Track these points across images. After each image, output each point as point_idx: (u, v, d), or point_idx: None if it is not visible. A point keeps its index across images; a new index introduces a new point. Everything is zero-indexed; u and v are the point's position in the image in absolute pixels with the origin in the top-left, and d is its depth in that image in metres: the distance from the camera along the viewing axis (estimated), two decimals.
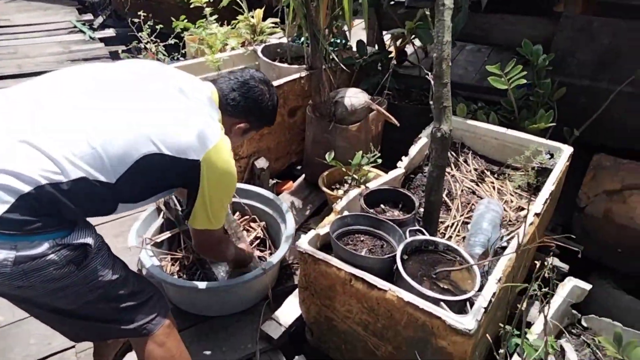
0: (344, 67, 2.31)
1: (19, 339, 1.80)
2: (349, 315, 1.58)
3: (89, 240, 1.15)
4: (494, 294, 1.42)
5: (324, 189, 2.25)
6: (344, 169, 2.23)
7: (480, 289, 1.44)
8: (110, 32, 5.26)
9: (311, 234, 1.65)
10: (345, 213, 1.76)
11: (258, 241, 2.11)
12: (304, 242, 1.60)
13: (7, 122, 1.10)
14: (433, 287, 1.49)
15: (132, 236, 1.86)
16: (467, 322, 1.32)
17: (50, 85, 1.20)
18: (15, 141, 1.06)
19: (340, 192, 2.32)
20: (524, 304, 1.24)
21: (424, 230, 1.65)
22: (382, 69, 2.86)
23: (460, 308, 1.45)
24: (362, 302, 1.51)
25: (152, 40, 3.13)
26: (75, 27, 5.37)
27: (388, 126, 2.62)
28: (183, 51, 3.46)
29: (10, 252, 1.02)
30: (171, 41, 3.30)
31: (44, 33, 5.13)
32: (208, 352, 1.74)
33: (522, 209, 2.03)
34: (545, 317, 1.24)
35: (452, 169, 2.24)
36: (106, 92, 1.21)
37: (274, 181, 2.46)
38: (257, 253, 2.07)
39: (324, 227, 1.70)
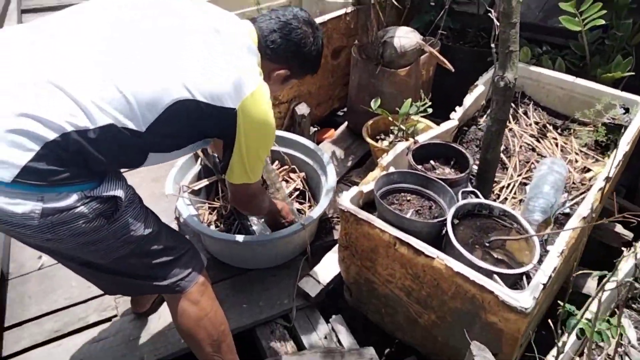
0: (395, 3, 2.07)
1: (60, 280, 1.83)
2: (391, 280, 1.49)
3: (120, 193, 1.08)
4: (555, 268, 1.29)
5: (368, 139, 2.11)
6: (390, 118, 2.07)
7: (539, 261, 1.31)
8: None
9: (354, 190, 1.53)
10: (392, 169, 1.63)
11: (297, 193, 2.02)
12: (346, 200, 1.49)
13: (32, 59, 1.01)
14: (486, 256, 1.36)
15: (169, 183, 1.80)
16: (524, 299, 1.20)
17: (74, 24, 1.09)
18: (40, 80, 0.97)
19: (386, 143, 2.17)
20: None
21: (477, 192, 1.51)
22: (435, 5, 2.58)
23: (514, 281, 1.33)
24: (407, 267, 1.41)
25: None
26: None
27: (440, 71, 2.40)
28: None
29: (37, 203, 0.96)
30: None
31: None
32: (244, 306, 1.71)
33: (588, 170, 1.83)
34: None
35: (510, 122, 2.04)
36: (134, 33, 1.09)
37: (315, 129, 2.33)
38: (296, 205, 1.99)
39: (367, 184, 1.58)
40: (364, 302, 1.69)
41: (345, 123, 2.55)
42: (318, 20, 2.17)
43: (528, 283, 1.29)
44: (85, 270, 1.21)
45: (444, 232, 1.41)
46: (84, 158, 1.00)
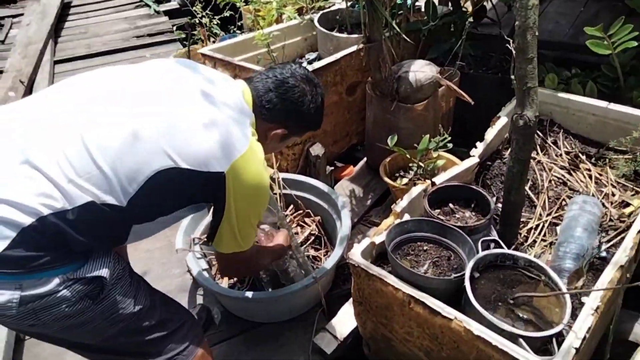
0: (406, 38, 1.99)
1: None
2: (408, 338, 1.38)
3: (104, 272, 1.03)
4: (589, 328, 1.14)
5: (386, 179, 2.02)
6: (408, 156, 1.97)
7: (572, 317, 1.17)
8: (173, 4, 5.20)
9: (365, 242, 1.44)
10: (406, 217, 1.53)
11: (313, 238, 1.94)
12: (357, 253, 1.40)
13: (9, 137, 0.99)
14: (510, 315, 1.23)
15: (180, 237, 1.77)
16: None
17: (56, 96, 1.07)
18: (16, 161, 0.95)
19: (405, 180, 2.07)
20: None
21: (499, 241, 1.38)
22: (455, 31, 2.48)
23: (543, 344, 1.19)
24: (424, 327, 1.29)
25: (206, 14, 2.97)
26: (141, 0, 5.38)
27: (461, 100, 2.29)
28: (240, 23, 3.28)
29: (14, 292, 0.93)
30: (227, 13, 3.13)
31: (111, 9, 5.20)
32: None
33: (628, 204, 1.66)
34: None
35: (538, 153, 1.90)
36: (114, 100, 1.06)
37: (332, 168, 2.26)
38: (311, 252, 1.90)
39: (380, 234, 1.48)
40: (383, 359, 1.58)
41: (364, 159, 2.46)
42: (331, 58, 2.12)
43: (559, 345, 1.15)
44: (76, 351, 1.17)
45: (463, 285, 1.29)
46: (64, 240, 0.96)
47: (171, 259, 2.05)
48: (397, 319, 1.37)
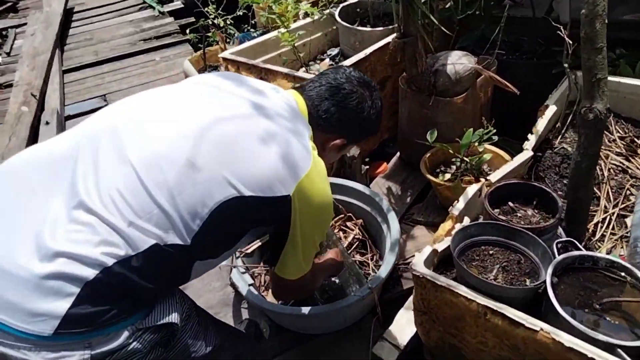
0: (443, 29, 1.88)
1: None
2: (482, 349, 1.30)
3: (174, 318, 0.95)
4: None
5: (428, 176, 1.92)
6: (451, 151, 1.88)
7: None
8: (177, 4, 5.09)
9: (427, 251, 1.36)
10: (466, 220, 1.44)
11: (357, 243, 1.86)
12: (420, 264, 1.31)
13: (57, 178, 0.90)
14: (599, 321, 1.15)
15: None
16: None
17: (100, 132, 0.99)
18: (68, 206, 0.87)
19: (447, 176, 1.98)
20: None
21: (574, 242, 1.29)
22: (484, 16, 2.36)
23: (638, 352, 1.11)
24: (502, 338, 1.21)
25: (219, 14, 2.86)
26: (144, 2, 5.27)
27: (498, 90, 2.19)
28: (253, 21, 3.17)
29: (84, 352, 0.84)
30: (239, 12, 3.03)
31: (115, 13, 5.09)
32: None
33: None
34: None
35: None
36: (160, 127, 0.97)
37: (367, 167, 2.17)
38: (357, 258, 1.82)
39: (441, 241, 1.40)
40: None
41: (398, 154, 2.37)
42: (359, 55, 2.02)
43: None
44: None
45: (541, 292, 1.21)
46: (130, 289, 0.88)
47: (210, 271, 1.96)
48: (469, 329, 1.29)
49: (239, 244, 1.09)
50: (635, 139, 1.79)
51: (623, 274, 1.20)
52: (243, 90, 1.09)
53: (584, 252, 1.24)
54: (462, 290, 1.22)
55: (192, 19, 4.52)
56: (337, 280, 1.64)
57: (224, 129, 0.99)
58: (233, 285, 1.73)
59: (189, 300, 1.06)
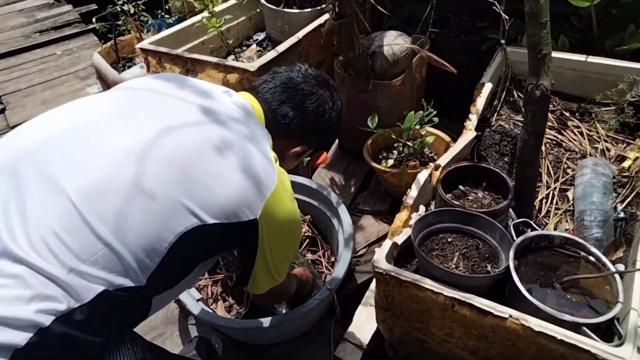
0: (378, 7, 1.81)
1: None
2: (449, 340, 1.27)
3: None
4: None
5: (373, 163, 1.87)
6: (393, 136, 1.83)
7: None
8: None
9: (387, 245, 1.30)
10: (421, 209, 1.40)
11: (307, 240, 1.77)
12: (381, 259, 1.25)
13: None
14: (562, 301, 1.16)
15: None
16: (625, 353, 1.00)
17: (17, 159, 0.81)
18: None
19: (390, 162, 1.94)
20: None
21: (530, 222, 1.30)
22: None
23: (598, 327, 1.13)
24: (470, 328, 1.19)
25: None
26: None
27: (430, 69, 2.18)
28: (167, 7, 2.92)
29: None
30: None
31: (1, 2, 4.50)
32: None
33: (624, 157, 1.65)
34: None
35: (521, 117, 1.83)
36: (100, 143, 0.82)
37: (307, 159, 2.07)
38: (309, 256, 1.74)
39: (399, 233, 1.34)
40: None
41: (336, 142, 2.30)
42: (291, 40, 1.90)
43: (614, 326, 1.09)
44: None
45: (503, 278, 1.20)
46: (74, 348, 0.73)
47: None
48: (435, 322, 1.26)
49: (199, 269, 0.96)
50: (564, 112, 1.85)
51: (576, 250, 1.22)
52: (188, 93, 0.94)
53: (540, 231, 1.25)
54: (428, 283, 1.18)
55: (94, 6, 4.12)
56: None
57: (175, 143, 0.84)
58: (178, 301, 1.57)
59: (140, 341, 0.92)
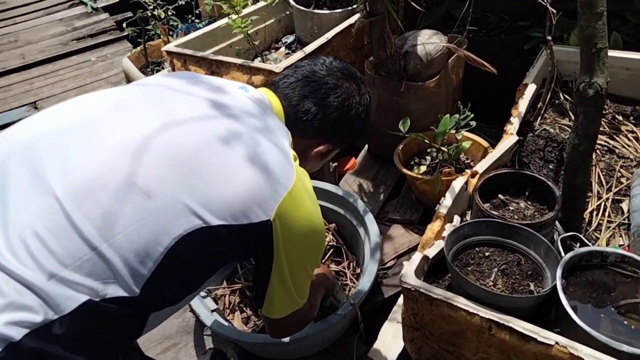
0: (413, 4, 1.71)
1: None
2: None
3: None
4: None
5: (405, 170, 1.75)
6: (426, 141, 1.71)
7: None
8: None
9: (416, 259, 1.18)
10: (456, 220, 1.28)
11: (331, 250, 1.67)
12: (410, 274, 1.14)
13: None
14: (618, 327, 1.01)
15: None
16: None
17: (9, 154, 0.75)
18: None
19: (422, 168, 1.81)
20: None
21: (580, 236, 1.15)
22: None
23: None
24: (510, 354, 1.05)
25: (159, 4, 2.58)
26: None
27: (467, 70, 2.05)
28: (197, 11, 2.90)
29: None
30: (182, 1, 2.75)
31: (42, 12, 4.63)
32: None
33: None
34: None
35: (570, 120, 1.68)
36: (95, 139, 0.75)
37: (335, 164, 1.98)
38: (332, 267, 1.63)
39: (431, 246, 1.23)
40: None
41: (366, 147, 2.19)
42: (320, 40, 1.81)
43: None
44: None
45: (549, 298, 1.06)
46: None
47: None
48: (469, 345, 1.13)
49: (206, 284, 0.87)
50: (617, 116, 1.68)
51: (635, 269, 1.07)
52: (199, 89, 0.87)
53: (592, 247, 1.10)
54: (462, 302, 1.06)
55: (130, 14, 4.17)
56: (333, 302, 1.44)
57: (177, 137, 0.77)
58: (193, 311, 1.50)
59: (136, 356, 0.83)
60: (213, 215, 0.73)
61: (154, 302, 0.75)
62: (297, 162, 0.87)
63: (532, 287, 1.09)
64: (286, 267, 0.84)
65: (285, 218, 0.79)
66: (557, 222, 1.29)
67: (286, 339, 1.26)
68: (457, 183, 1.34)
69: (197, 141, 0.76)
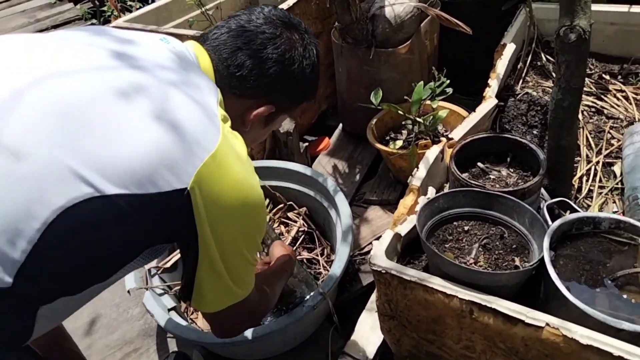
0: None
1: None
2: (470, 355, 1.01)
3: None
4: None
5: (378, 145, 1.62)
6: (400, 112, 1.57)
7: None
8: None
9: (387, 238, 1.05)
10: (431, 192, 1.15)
11: (303, 236, 1.53)
12: (380, 256, 1.00)
13: None
14: (616, 303, 0.88)
15: (130, 274, 1.30)
16: None
17: None
18: None
19: (399, 143, 1.68)
20: None
21: (568, 201, 1.02)
22: None
23: None
24: (495, 340, 0.93)
25: None
26: None
27: (442, 36, 1.91)
28: None
29: None
30: None
31: (4, 4, 4.43)
32: None
33: None
34: None
35: (551, 83, 1.55)
36: None
37: (306, 144, 1.83)
38: (304, 255, 1.50)
39: (402, 222, 1.09)
40: None
41: (340, 126, 2.05)
42: (282, 7, 1.66)
43: None
44: None
45: (537, 273, 0.94)
46: None
47: (126, 296, 1.59)
48: (450, 332, 1.00)
49: (121, 273, 0.72)
50: (604, 75, 1.56)
51: (632, 235, 0.95)
52: (104, 40, 0.73)
53: (583, 213, 0.97)
54: (438, 283, 0.92)
55: (91, 5, 3.97)
56: (297, 291, 1.30)
57: (61, 89, 0.63)
58: (147, 310, 1.36)
59: None
60: (109, 181, 0.59)
61: (38, 293, 0.61)
62: (229, 124, 0.73)
63: (517, 262, 0.97)
64: (215, 249, 0.69)
65: (207, 187, 0.65)
66: (543, 191, 1.17)
67: (248, 337, 1.12)
68: (432, 153, 1.21)
69: (88, 94, 0.62)
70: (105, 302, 1.59)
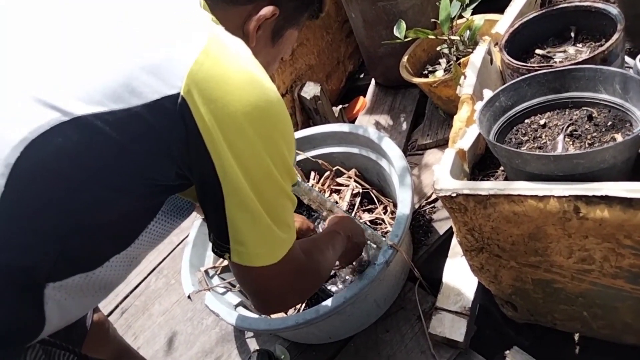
0: None
1: None
2: (588, 268, 0.82)
3: None
4: None
5: (416, 79, 1.44)
6: (431, 36, 1.39)
7: None
8: None
9: (449, 156, 0.88)
10: (487, 95, 0.96)
11: (359, 198, 1.38)
12: (445, 178, 0.84)
13: None
14: None
15: (186, 277, 1.21)
16: None
17: None
18: None
19: (440, 73, 1.49)
20: None
21: None
22: None
23: None
24: (617, 238, 0.73)
25: None
26: None
27: None
28: None
29: None
30: None
31: None
32: None
33: None
34: None
35: None
36: None
37: (340, 106, 1.69)
38: (366, 217, 1.34)
39: (463, 135, 0.91)
40: (542, 313, 1.01)
41: (372, 81, 1.88)
42: None
43: None
44: None
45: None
46: None
47: (197, 307, 1.52)
48: (556, 246, 0.81)
49: (145, 238, 0.60)
50: None
51: None
52: None
53: None
54: (525, 187, 0.74)
55: None
56: (364, 255, 1.14)
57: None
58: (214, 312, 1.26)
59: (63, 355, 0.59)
60: (77, 99, 0.47)
61: (35, 263, 0.50)
62: (221, 28, 0.59)
63: (619, 139, 0.76)
64: (237, 170, 0.54)
65: (207, 90, 0.51)
66: (625, 57, 0.94)
67: (320, 311, 0.98)
68: (476, 56, 1.02)
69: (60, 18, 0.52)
70: (178, 319, 1.52)
